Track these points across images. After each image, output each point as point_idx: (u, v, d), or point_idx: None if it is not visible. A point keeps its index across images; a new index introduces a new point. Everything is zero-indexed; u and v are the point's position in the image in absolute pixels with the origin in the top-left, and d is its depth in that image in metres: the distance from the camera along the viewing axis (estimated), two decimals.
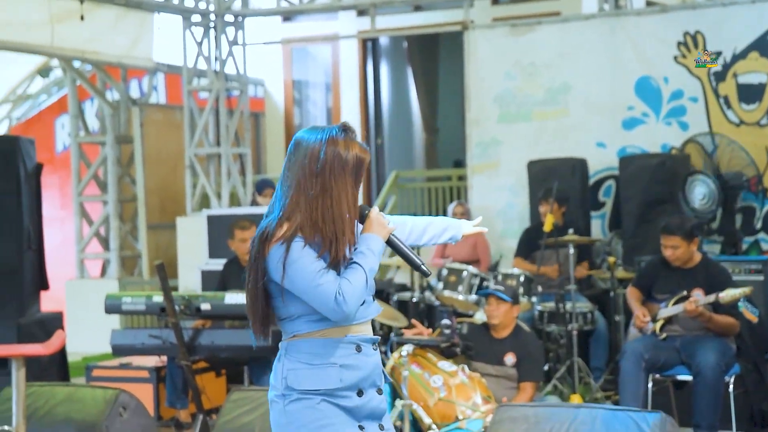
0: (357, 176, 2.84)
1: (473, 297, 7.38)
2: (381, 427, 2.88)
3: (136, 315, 8.01)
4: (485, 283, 7.36)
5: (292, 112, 12.98)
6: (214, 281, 7.72)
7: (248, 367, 6.38)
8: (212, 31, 10.30)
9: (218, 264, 7.71)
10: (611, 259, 7.33)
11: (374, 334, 2.95)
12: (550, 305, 7.17)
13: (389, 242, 2.92)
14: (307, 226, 2.79)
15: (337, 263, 2.79)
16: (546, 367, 6.87)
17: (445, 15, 11.57)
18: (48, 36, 9.20)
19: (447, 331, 6.08)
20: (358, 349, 2.84)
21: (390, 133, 13.01)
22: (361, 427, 2.83)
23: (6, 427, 5.05)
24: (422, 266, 2.95)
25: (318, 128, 2.87)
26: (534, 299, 7.33)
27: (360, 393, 2.83)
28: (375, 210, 2.91)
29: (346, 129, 2.86)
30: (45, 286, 7.41)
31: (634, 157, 8.21)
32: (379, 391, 2.89)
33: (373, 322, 2.97)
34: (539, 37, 8.85)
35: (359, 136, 2.90)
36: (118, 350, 6.28)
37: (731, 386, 5.71)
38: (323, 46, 12.82)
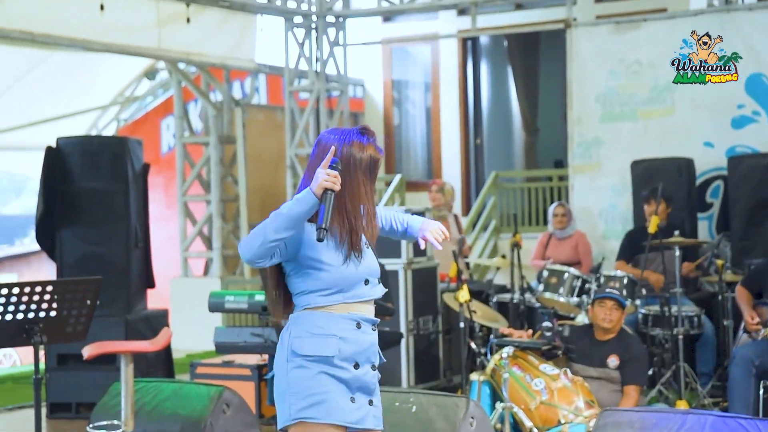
0: (371, 174, 3.08)
1: (574, 299, 7.26)
2: (370, 402, 3.11)
3: (238, 313, 8.13)
4: (587, 285, 7.23)
5: (391, 112, 13.00)
6: None
7: None
8: (313, 32, 10.40)
9: None
10: (719, 262, 7.12)
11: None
12: (655, 308, 7.00)
13: (323, 197, 2.93)
14: None
15: (354, 250, 3.02)
16: (650, 372, 6.71)
17: (547, 13, 11.42)
18: (155, 39, 9.42)
19: (548, 334, 6.00)
20: (358, 325, 3.08)
21: (489, 133, 12.91)
22: (352, 399, 3.06)
23: (115, 422, 5.18)
24: (322, 228, 2.91)
25: (339, 129, 3.13)
26: (638, 302, 7.17)
27: (356, 366, 3.07)
28: (323, 166, 2.96)
29: (364, 132, 3.09)
30: (151, 284, 7.58)
31: (744, 157, 7.98)
32: (373, 368, 3.14)
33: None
34: (644, 35, 8.66)
35: (379, 140, 3.02)
36: (221, 348, 6.36)
37: None
38: (423, 45, 12.80)
